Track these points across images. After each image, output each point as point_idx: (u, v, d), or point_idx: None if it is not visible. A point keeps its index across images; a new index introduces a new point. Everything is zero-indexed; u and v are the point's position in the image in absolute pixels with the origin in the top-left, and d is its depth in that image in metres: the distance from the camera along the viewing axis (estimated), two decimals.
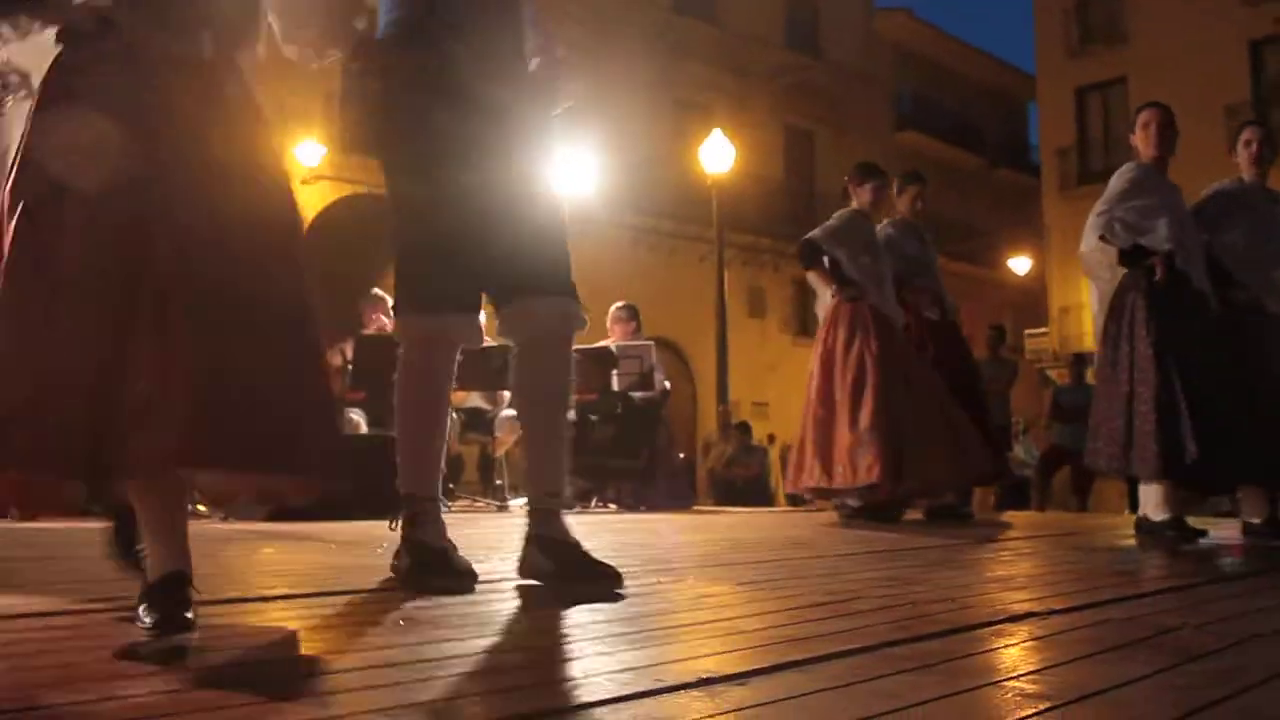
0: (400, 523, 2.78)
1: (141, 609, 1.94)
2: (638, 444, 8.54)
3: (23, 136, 2.07)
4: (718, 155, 14.69)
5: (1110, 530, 5.59)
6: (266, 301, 1.98)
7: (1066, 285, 23.16)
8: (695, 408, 20.01)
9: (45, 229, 1.93)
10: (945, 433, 5.83)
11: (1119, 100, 22.34)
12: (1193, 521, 4.65)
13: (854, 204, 6.26)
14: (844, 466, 5.78)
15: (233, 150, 2.09)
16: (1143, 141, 4.88)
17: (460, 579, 2.63)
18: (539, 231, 2.77)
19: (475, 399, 8.29)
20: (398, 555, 2.75)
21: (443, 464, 2.90)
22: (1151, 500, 4.68)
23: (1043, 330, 24.45)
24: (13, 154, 2.10)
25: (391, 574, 2.74)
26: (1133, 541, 4.59)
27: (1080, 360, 11.57)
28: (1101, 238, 4.78)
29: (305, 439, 1.99)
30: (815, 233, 6.25)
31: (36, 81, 2.22)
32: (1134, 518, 5.05)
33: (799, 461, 6.09)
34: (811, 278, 6.31)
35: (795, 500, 9.17)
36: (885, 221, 6.54)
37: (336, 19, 2.57)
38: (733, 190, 16.35)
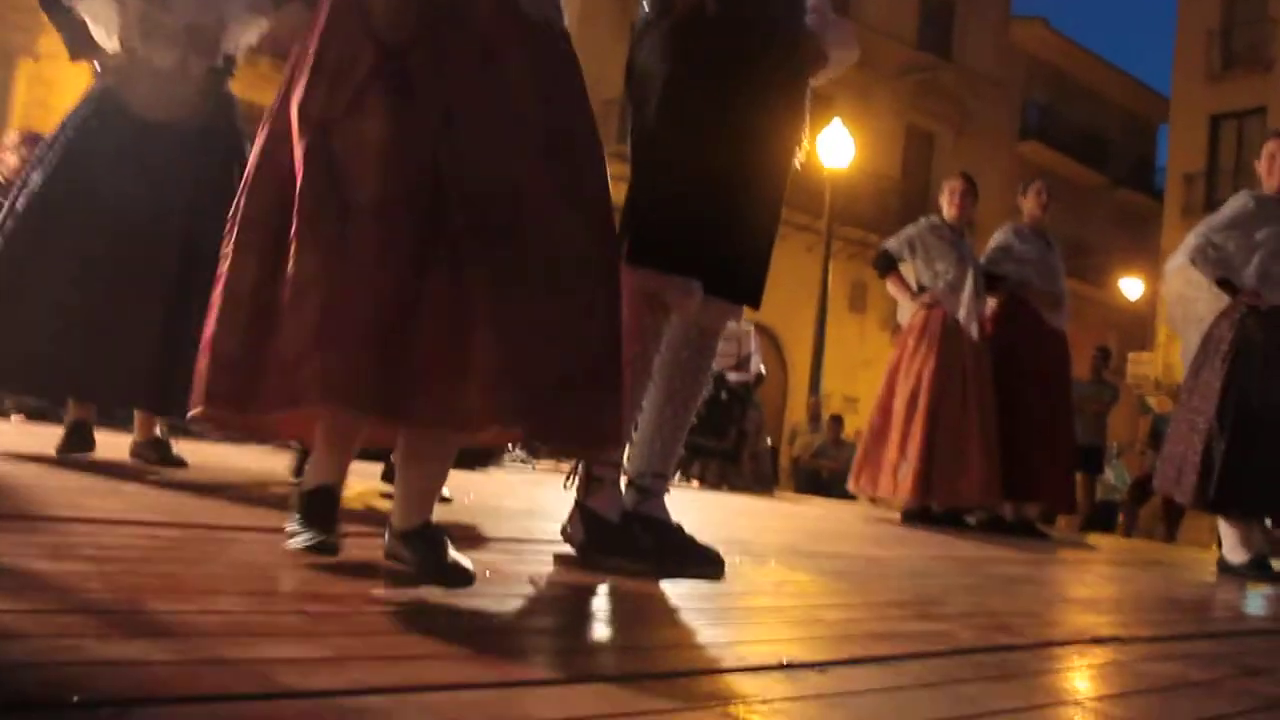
0: (576, 483, 2.65)
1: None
2: (728, 424, 8.58)
3: (313, 45, 2.02)
4: (836, 147, 14.58)
5: (1195, 564, 5.49)
6: (567, 257, 1.94)
7: None
8: (785, 395, 19.94)
9: (341, 150, 1.89)
10: (982, 451, 5.85)
11: (1256, 129, 21.64)
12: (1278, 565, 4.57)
13: (945, 211, 6.28)
14: (888, 479, 5.97)
15: (557, 109, 2.04)
16: (1265, 171, 4.77)
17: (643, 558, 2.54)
18: (759, 227, 2.74)
19: None
20: (570, 520, 2.62)
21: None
22: (1229, 540, 4.63)
23: (1147, 356, 23.93)
24: (290, 67, 2.06)
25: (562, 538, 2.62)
26: (1214, 579, 4.51)
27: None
28: (1193, 263, 4.71)
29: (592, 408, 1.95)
30: (890, 240, 6.31)
31: None
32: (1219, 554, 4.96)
33: (857, 463, 6.28)
34: (889, 286, 6.34)
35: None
36: (1007, 225, 6.53)
37: None
38: (847, 183, 16.23)
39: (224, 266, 1.95)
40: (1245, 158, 21.90)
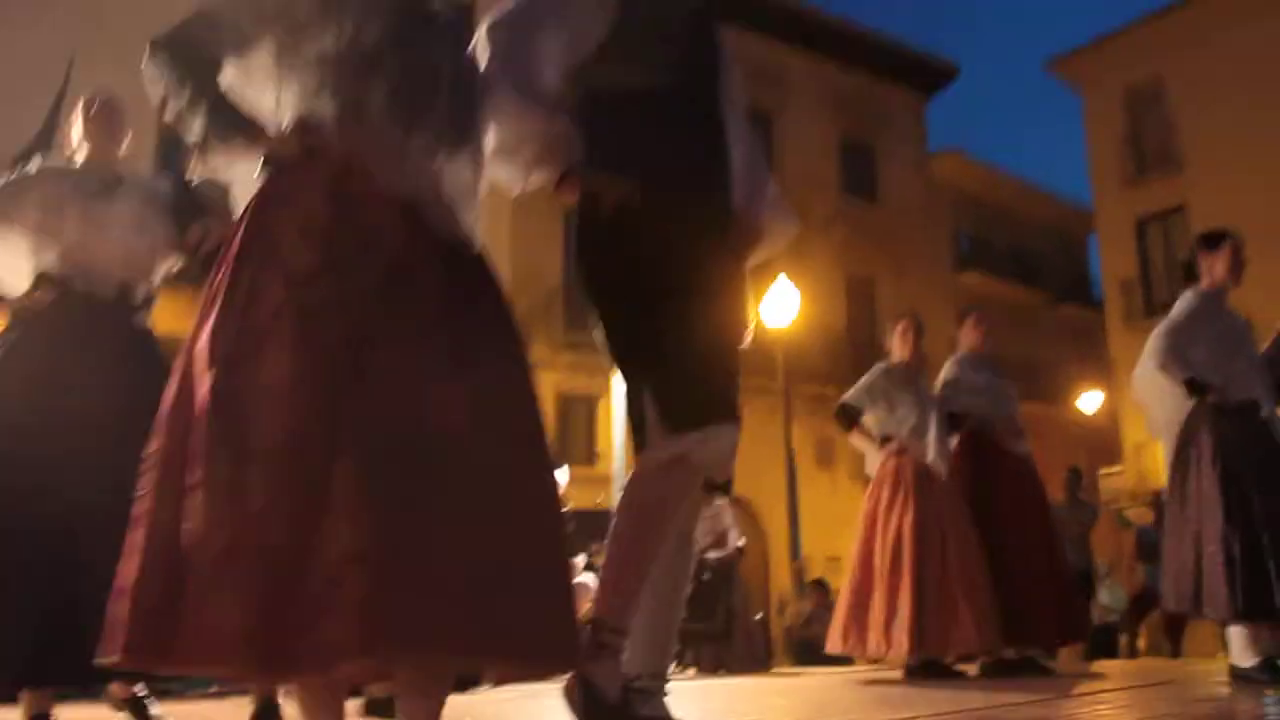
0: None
1: None
2: (715, 605, 8.46)
3: (223, 275, 2.03)
4: (780, 307, 14.78)
5: (1206, 677, 5.39)
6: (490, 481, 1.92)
7: (1139, 421, 22.62)
8: (767, 564, 19.73)
9: (243, 390, 1.89)
10: (971, 596, 5.73)
11: (1180, 229, 22.15)
12: None
13: (895, 356, 6.26)
14: (877, 637, 5.80)
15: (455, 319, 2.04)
16: (1211, 269, 4.85)
17: None
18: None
19: None
20: (570, 688, 2.58)
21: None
22: (1237, 645, 4.57)
23: (1117, 469, 23.97)
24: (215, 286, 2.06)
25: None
26: (1228, 688, 4.43)
27: (1160, 498, 11.34)
28: (1162, 369, 4.75)
29: (519, 622, 1.89)
30: (849, 394, 6.28)
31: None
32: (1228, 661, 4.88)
33: (834, 622, 6.11)
34: (854, 439, 6.31)
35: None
36: (952, 359, 6.52)
37: (549, 144, 2.58)
38: (796, 340, 16.39)
39: (139, 508, 1.92)
40: (1176, 257, 22.41)
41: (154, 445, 1.95)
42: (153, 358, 3.67)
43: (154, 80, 2.26)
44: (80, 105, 3.78)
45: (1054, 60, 26.44)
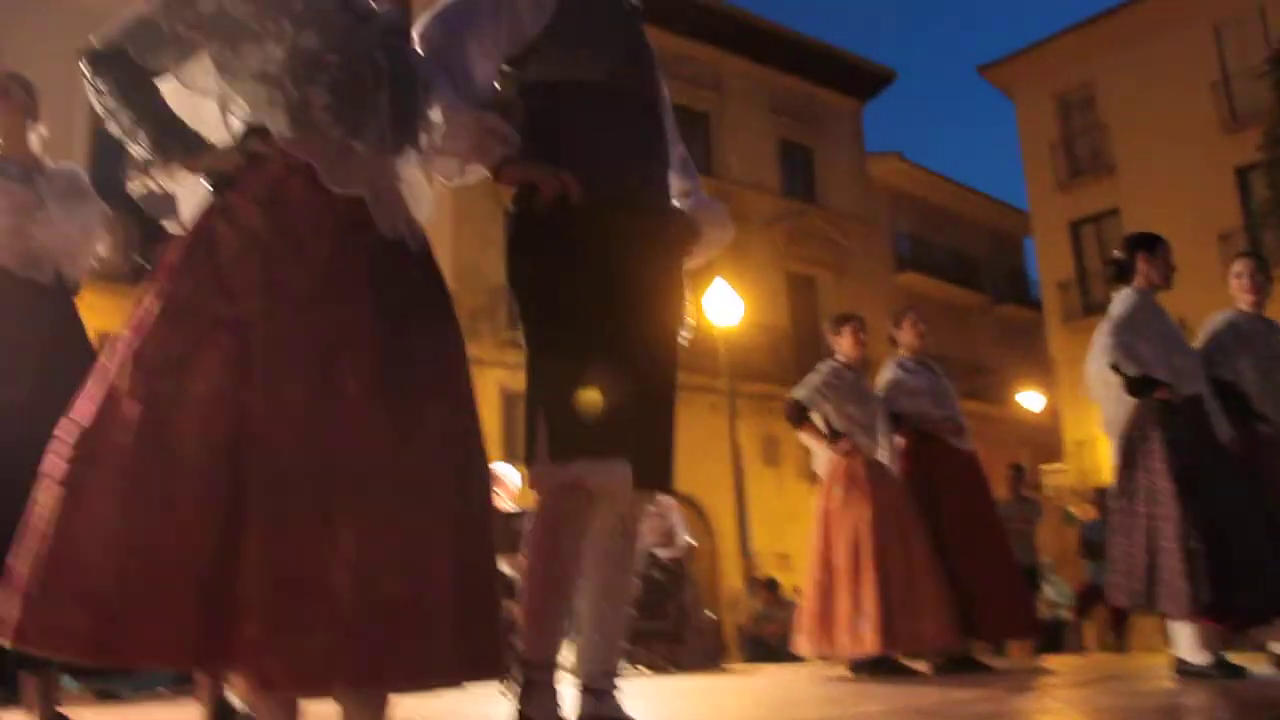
0: (512, 689, 2.63)
1: None
2: (665, 603, 8.44)
3: (161, 283, 2.03)
4: (723, 306, 14.83)
5: (1152, 671, 5.46)
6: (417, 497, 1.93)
7: (1080, 418, 23.08)
8: (716, 561, 19.78)
9: (169, 398, 1.89)
10: (936, 591, 5.77)
11: (1114, 231, 22.49)
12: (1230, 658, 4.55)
13: (838, 354, 6.28)
14: (846, 636, 5.79)
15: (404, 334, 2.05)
16: (1147, 270, 4.92)
17: None
18: (658, 409, 2.73)
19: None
20: None
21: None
22: (1185, 641, 4.59)
23: (1059, 466, 24.27)
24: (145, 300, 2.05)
25: None
26: (1175, 684, 4.47)
27: (1104, 494, 11.49)
28: (1113, 367, 4.78)
29: (440, 640, 1.90)
30: (798, 390, 6.27)
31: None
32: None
33: (798, 624, 6.09)
34: (803, 437, 6.32)
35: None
36: (890, 361, 6.54)
37: (489, 126, 2.60)
38: (739, 339, 16.46)
39: (38, 492, 1.89)
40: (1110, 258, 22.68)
41: (64, 438, 1.92)
42: (84, 341, 3.65)
43: (95, 94, 2.22)
44: None
45: (987, 66, 26.77)
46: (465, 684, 2.00)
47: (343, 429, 1.90)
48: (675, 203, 2.94)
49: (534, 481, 2.68)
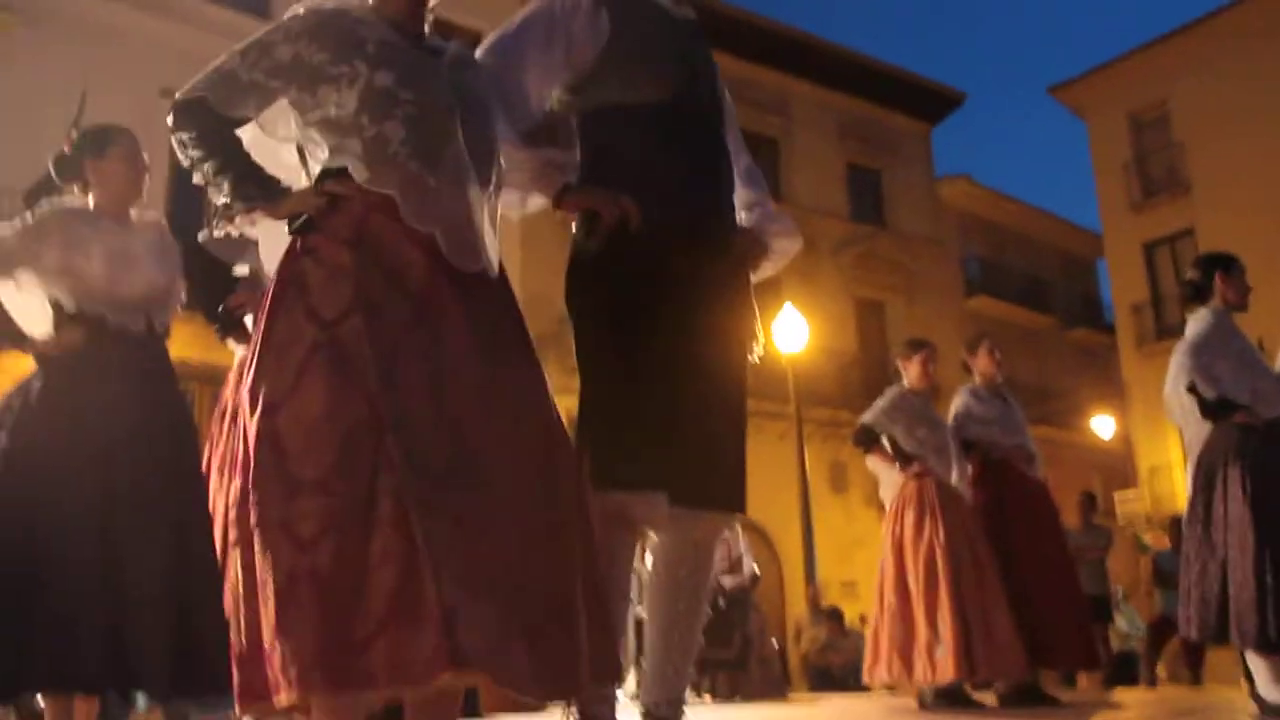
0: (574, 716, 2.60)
1: None
2: (730, 632, 8.41)
3: (260, 326, 2.13)
4: (790, 331, 14.77)
5: (1228, 707, 5.33)
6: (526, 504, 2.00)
7: (1153, 444, 22.70)
8: (783, 590, 19.64)
9: (285, 428, 1.98)
10: (1008, 619, 5.65)
11: (1188, 252, 22.05)
12: None
13: (905, 381, 6.21)
14: (924, 663, 5.65)
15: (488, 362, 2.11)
16: (1225, 291, 4.83)
17: None
18: (726, 430, 2.70)
19: None
20: None
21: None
22: (1264, 675, 4.47)
23: (1132, 493, 23.82)
24: (251, 349, 2.15)
25: None
26: None
27: (1178, 523, 11.24)
28: (1191, 389, 4.68)
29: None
30: (867, 415, 6.21)
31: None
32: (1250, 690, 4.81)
33: (875, 651, 5.96)
34: (872, 462, 6.25)
35: None
36: (963, 389, 6.46)
37: (548, 159, 2.64)
38: (807, 365, 16.38)
39: (228, 562, 2.05)
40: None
41: (215, 497, 2.07)
42: (175, 386, 3.75)
43: (180, 145, 2.30)
44: (109, 151, 3.77)
45: (1058, 87, 26.50)
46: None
47: (459, 441, 1.99)
48: (742, 214, 2.94)
49: None
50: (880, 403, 6.19)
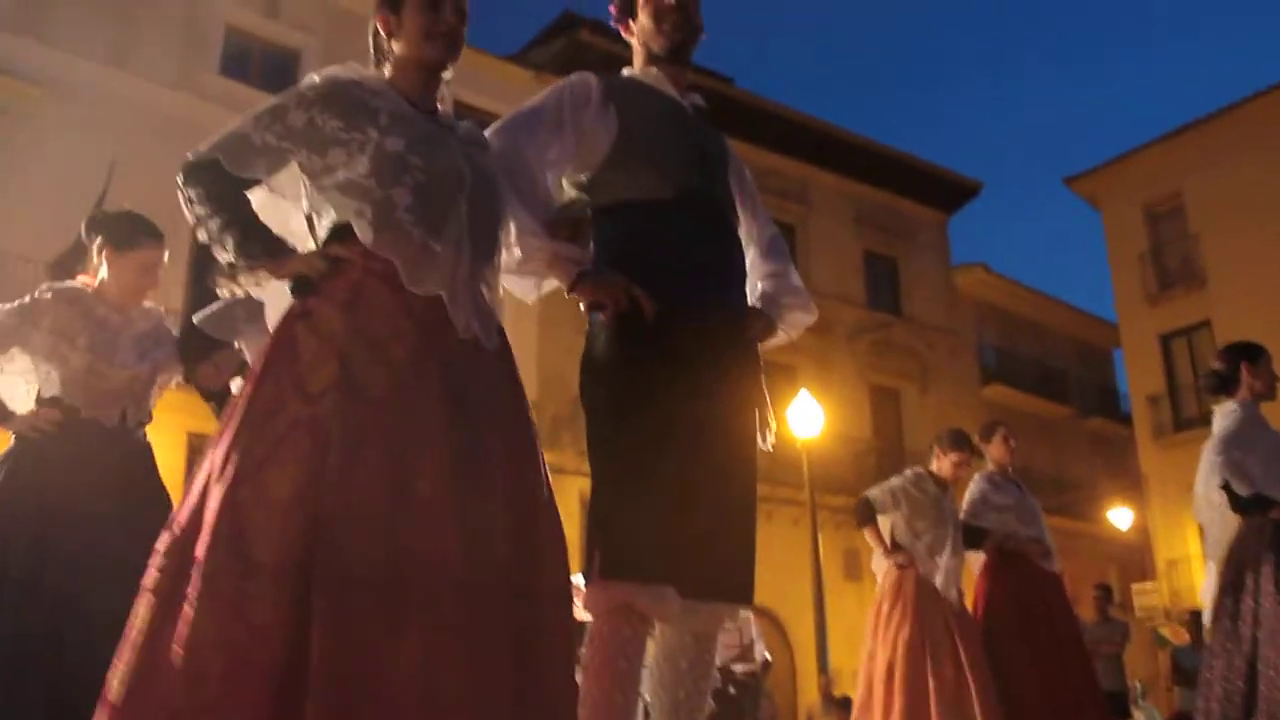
0: None
1: None
2: (740, 719, 8.29)
3: (246, 388, 2.10)
4: (806, 417, 14.75)
5: None
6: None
7: (1172, 536, 22.47)
8: (795, 677, 19.41)
9: (248, 503, 1.93)
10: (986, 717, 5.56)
11: (1205, 344, 22.06)
12: None
13: (933, 465, 6.17)
14: None
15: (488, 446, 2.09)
16: (1252, 382, 4.79)
17: None
18: (735, 519, 2.68)
19: None
20: None
21: None
22: None
23: (1150, 585, 23.53)
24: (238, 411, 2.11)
25: None
26: None
27: (1198, 617, 11.09)
28: (1224, 486, 4.63)
29: None
30: (874, 490, 6.17)
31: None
32: None
33: None
34: (867, 536, 6.18)
35: None
36: (978, 476, 6.42)
37: (560, 252, 2.62)
38: (822, 451, 16.33)
39: (135, 613, 1.95)
40: (1202, 372, 22.05)
41: (160, 549, 1.99)
42: (151, 474, 3.77)
43: (187, 203, 2.32)
44: (130, 241, 3.82)
45: (1073, 178, 26.67)
46: None
47: (413, 533, 1.94)
48: (760, 284, 2.96)
49: (587, 601, 2.63)
50: (893, 481, 6.15)
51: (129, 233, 3.83)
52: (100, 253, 3.80)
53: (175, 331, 3.93)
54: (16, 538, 3.43)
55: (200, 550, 1.91)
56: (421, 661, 1.86)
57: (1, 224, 13.39)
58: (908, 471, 6.21)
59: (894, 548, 6.02)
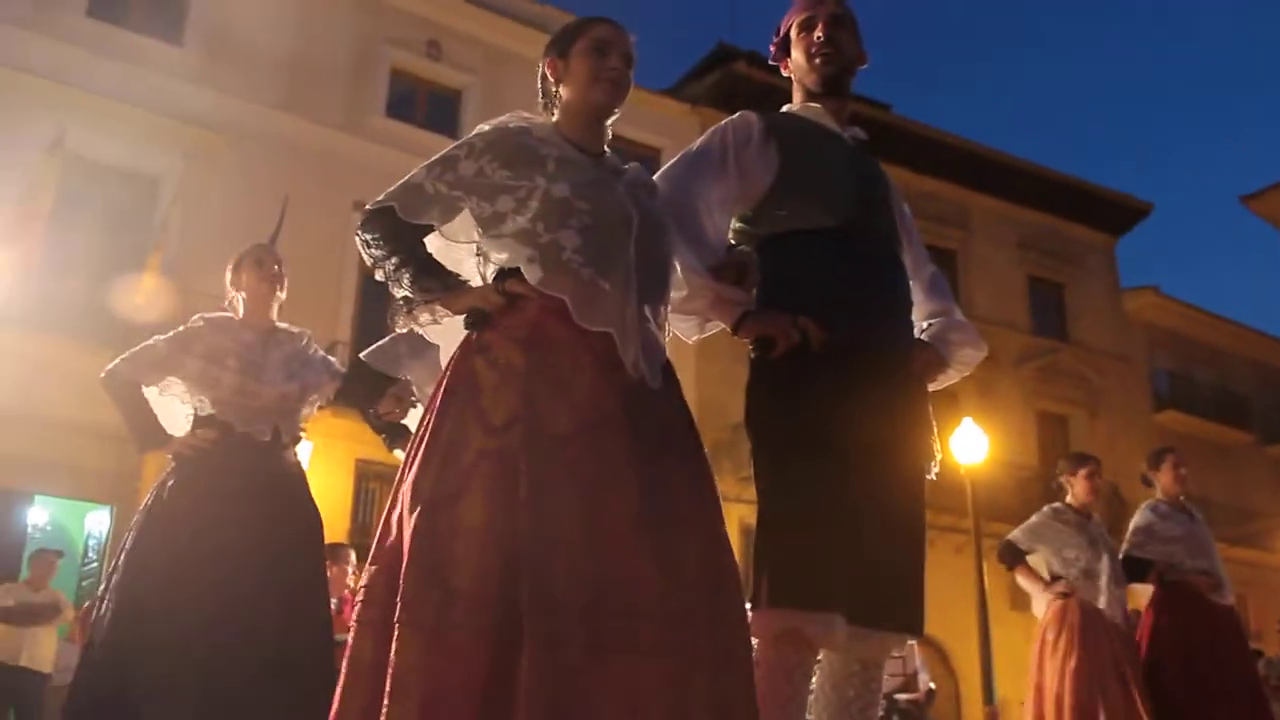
0: None
1: None
2: None
3: (428, 420, 2.19)
4: (970, 444, 14.52)
5: None
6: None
7: None
8: (960, 708, 19.00)
9: (445, 532, 2.02)
10: None
11: None
12: None
13: (1069, 496, 6.04)
14: None
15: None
16: None
17: None
18: (903, 549, 2.69)
19: None
20: None
21: None
22: None
23: None
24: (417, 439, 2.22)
25: None
26: None
27: None
28: None
29: None
30: (1014, 532, 6.07)
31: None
32: None
33: None
34: (1019, 578, 6.08)
35: None
36: (1145, 505, 6.23)
37: (724, 294, 2.64)
38: (986, 478, 16.02)
39: (350, 637, 2.06)
40: None
41: (365, 583, 2.11)
42: (301, 490, 4.01)
43: (364, 245, 2.45)
44: (243, 261, 4.12)
45: (1251, 197, 25.65)
46: None
47: (609, 562, 2.00)
48: (924, 324, 2.97)
49: (754, 627, 2.62)
50: (1031, 520, 6.06)
51: (238, 257, 4.13)
52: (238, 287, 4.10)
53: (322, 354, 4.19)
54: (171, 545, 3.70)
55: (401, 580, 2.00)
56: (624, 686, 1.93)
57: (187, 261, 14.11)
58: (1045, 509, 6.10)
59: (1052, 581, 5.92)
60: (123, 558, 3.74)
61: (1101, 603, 5.75)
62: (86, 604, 7.27)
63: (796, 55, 3.01)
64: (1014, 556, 6.06)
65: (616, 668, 1.93)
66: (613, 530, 2.03)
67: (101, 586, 3.78)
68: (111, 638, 3.60)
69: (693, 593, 2.06)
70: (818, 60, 2.96)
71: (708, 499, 2.24)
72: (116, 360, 3.97)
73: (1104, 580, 5.78)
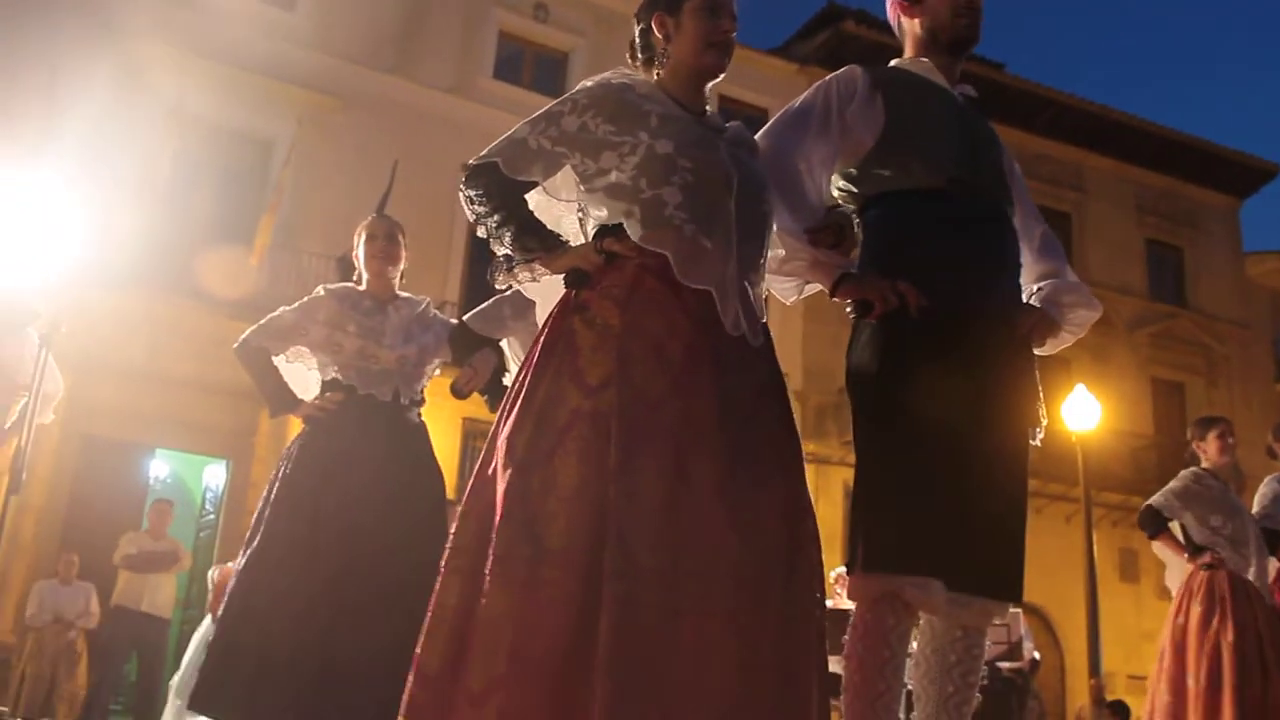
0: None
1: None
2: (1007, 718, 8.14)
3: (524, 377, 2.23)
4: (1081, 411, 14.23)
5: None
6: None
7: None
8: (1064, 679, 18.75)
9: (537, 490, 2.07)
10: None
11: None
12: None
13: (1203, 462, 5.81)
14: None
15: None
16: None
17: None
18: (1004, 516, 2.66)
19: None
20: None
21: None
22: None
23: None
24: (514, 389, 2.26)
25: None
26: None
27: None
28: None
29: None
30: (1156, 497, 5.81)
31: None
32: None
33: None
34: (1158, 547, 5.84)
35: None
36: (1271, 477, 6.05)
37: (821, 257, 2.63)
38: (1098, 446, 15.71)
39: (438, 585, 2.12)
40: None
41: (455, 532, 2.16)
42: (424, 449, 4.15)
43: (468, 202, 2.46)
44: (359, 233, 4.22)
45: None
46: None
47: (691, 527, 2.03)
48: (1036, 286, 2.91)
49: (852, 591, 2.66)
50: (1173, 484, 5.82)
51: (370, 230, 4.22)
52: (355, 259, 4.22)
53: (442, 318, 4.29)
54: (302, 502, 3.86)
55: (494, 533, 2.05)
56: (694, 646, 1.96)
57: (299, 223, 14.43)
58: (1186, 472, 5.88)
59: (1193, 552, 5.72)
60: (260, 530, 3.88)
61: (1250, 573, 5.58)
62: (218, 574, 7.48)
63: (939, 6, 2.90)
64: (1157, 524, 5.79)
65: (689, 630, 1.97)
66: (695, 497, 2.05)
67: (241, 555, 3.92)
68: (246, 604, 3.76)
69: (770, 557, 2.09)
70: (964, 20, 2.89)
71: (792, 462, 2.25)
72: (247, 331, 4.16)
73: (1254, 549, 5.61)
